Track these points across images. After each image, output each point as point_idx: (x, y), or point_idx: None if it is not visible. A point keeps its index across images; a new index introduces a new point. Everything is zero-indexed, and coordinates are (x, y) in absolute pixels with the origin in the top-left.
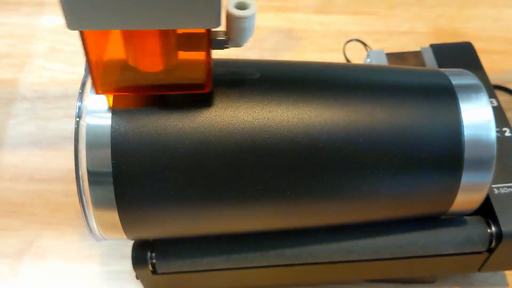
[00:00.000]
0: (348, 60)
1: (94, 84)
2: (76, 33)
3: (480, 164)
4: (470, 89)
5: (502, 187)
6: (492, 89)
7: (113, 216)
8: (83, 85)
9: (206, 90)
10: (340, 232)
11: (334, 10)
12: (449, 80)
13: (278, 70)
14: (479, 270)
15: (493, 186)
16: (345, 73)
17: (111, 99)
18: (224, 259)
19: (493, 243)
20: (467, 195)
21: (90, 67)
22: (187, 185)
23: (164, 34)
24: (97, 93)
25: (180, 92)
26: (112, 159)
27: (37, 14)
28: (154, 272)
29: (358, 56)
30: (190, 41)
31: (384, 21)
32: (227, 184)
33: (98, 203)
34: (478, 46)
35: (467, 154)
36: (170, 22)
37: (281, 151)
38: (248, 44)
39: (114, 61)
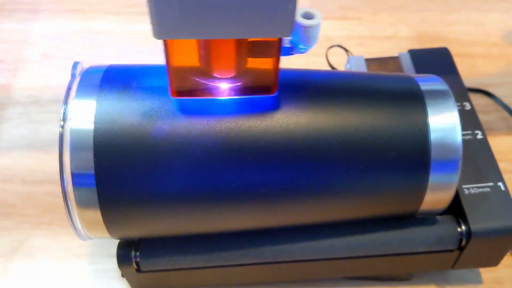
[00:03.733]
0: (330, 65)
1: (170, 88)
2: (68, 39)
3: (447, 165)
4: (437, 94)
5: (472, 187)
6: (467, 93)
7: (97, 216)
8: (69, 89)
9: (273, 93)
10: (317, 231)
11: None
12: (418, 86)
13: None
14: (452, 267)
15: (464, 186)
16: (317, 78)
17: (93, 106)
18: (207, 257)
19: (463, 242)
20: (435, 195)
21: (169, 72)
22: (168, 186)
23: (239, 42)
24: (172, 96)
25: (248, 96)
26: (94, 162)
27: (30, 20)
28: (138, 270)
29: (341, 61)
30: (261, 49)
31: (369, 26)
32: (205, 184)
33: (82, 204)
34: (460, 50)
35: (434, 155)
36: (248, 31)
37: (256, 152)
38: None
39: (189, 67)
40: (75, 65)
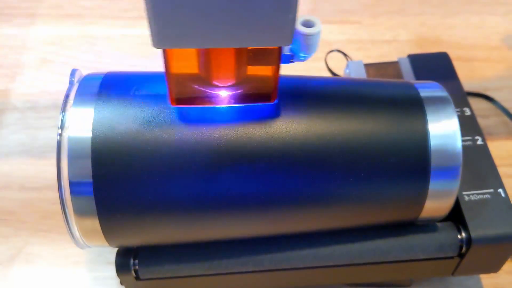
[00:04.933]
0: (330, 69)
1: (169, 96)
2: (66, 44)
3: (447, 172)
4: (437, 101)
5: (472, 194)
6: (466, 98)
7: (95, 224)
8: (67, 97)
9: (272, 101)
10: (317, 238)
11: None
12: (418, 92)
13: None
14: (452, 274)
15: (464, 193)
16: (316, 85)
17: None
18: (206, 265)
19: (464, 249)
20: (436, 202)
21: (168, 81)
22: (166, 194)
23: (238, 50)
24: (172, 104)
25: (248, 104)
26: (92, 170)
27: (28, 25)
28: (137, 278)
29: (340, 65)
30: (261, 57)
31: (368, 30)
32: (204, 192)
33: (80, 212)
34: (459, 54)
35: (434, 163)
36: (248, 40)
37: (255, 160)
38: None
39: (189, 75)
40: (73, 72)
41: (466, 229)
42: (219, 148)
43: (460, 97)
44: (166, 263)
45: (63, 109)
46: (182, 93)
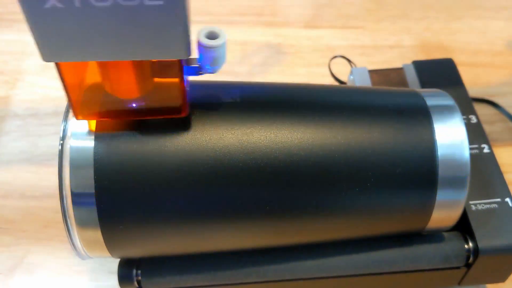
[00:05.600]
0: (333, 75)
1: (73, 111)
2: None
3: (454, 182)
4: (444, 110)
5: (480, 203)
6: (472, 105)
7: (97, 235)
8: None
9: (183, 115)
10: (322, 249)
11: (322, 24)
12: (424, 101)
13: (256, 92)
14: (459, 283)
15: (471, 202)
16: (322, 94)
17: (93, 123)
18: (209, 276)
19: (471, 259)
20: (443, 212)
21: (67, 95)
22: (169, 206)
23: (138, 63)
24: (77, 118)
25: (158, 117)
26: (94, 181)
27: (29, 31)
28: None
29: (343, 71)
30: (163, 69)
31: (371, 35)
32: (208, 204)
33: (82, 223)
34: (463, 59)
35: (441, 172)
36: (142, 53)
37: (260, 170)
38: (236, 59)
39: (92, 88)
40: None
41: (473, 239)
42: (224, 158)
43: (466, 105)
44: (168, 274)
45: (65, 118)
46: (86, 107)
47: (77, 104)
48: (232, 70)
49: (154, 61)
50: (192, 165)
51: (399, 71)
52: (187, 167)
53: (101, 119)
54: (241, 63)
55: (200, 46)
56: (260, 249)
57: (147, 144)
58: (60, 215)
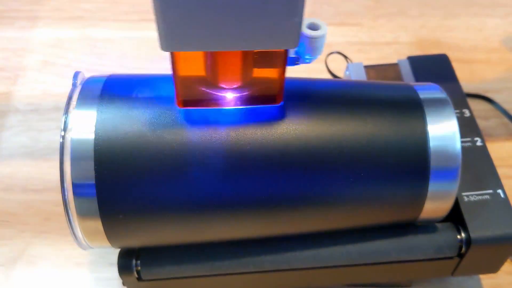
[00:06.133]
0: (330, 71)
1: (176, 98)
2: (68, 47)
3: (446, 173)
4: (436, 103)
5: (472, 195)
6: (466, 100)
7: (97, 225)
8: (69, 99)
9: (278, 103)
10: (318, 239)
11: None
12: (417, 94)
13: None
14: (452, 274)
15: (463, 193)
16: (317, 87)
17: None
18: (207, 266)
19: (463, 249)
20: (435, 203)
21: (176, 83)
22: (169, 195)
23: (245, 53)
24: (178, 106)
25: (254, 106)
26: (95, 172)
27: (30, 28)
28: (139, 279)
29: (340, 67)
30: (267, 59)
31: (368, 32)
32: (205, 193)
33: (83, 213)
34: (459, 55)
35: (433, 164)
36: (255, 43)
37: (255, 160)
38: None
39: (196, 77)
40: (76, 74)
41: (465, 229)
42: (221, 150)
43: (459, 99)
44: (168, 264)
45: (66, 111)
46: (188, 95)
47: (182, 93)
48: None
49: (260, 51)
50: (189, 155)
51: (394, 66)
52: (185, 157)
53: (200, 107)
54: None
55: (303, 36)
56: (257, 240)
57: (146, 136)
58: (60, 208)
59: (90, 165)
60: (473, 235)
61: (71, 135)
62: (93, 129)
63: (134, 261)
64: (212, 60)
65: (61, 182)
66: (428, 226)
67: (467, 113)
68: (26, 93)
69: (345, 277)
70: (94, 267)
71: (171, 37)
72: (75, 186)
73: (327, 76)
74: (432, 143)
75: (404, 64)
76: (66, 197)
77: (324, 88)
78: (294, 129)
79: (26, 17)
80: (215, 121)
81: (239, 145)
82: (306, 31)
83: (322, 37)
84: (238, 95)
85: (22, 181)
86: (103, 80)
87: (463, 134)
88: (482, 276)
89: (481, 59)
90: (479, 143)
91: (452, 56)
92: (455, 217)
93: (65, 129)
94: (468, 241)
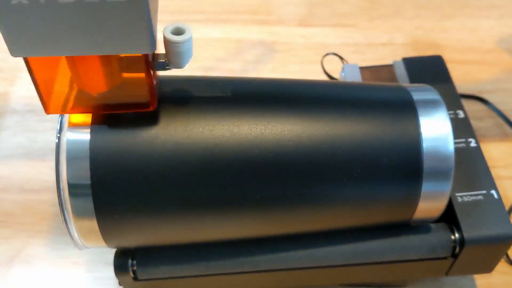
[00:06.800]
0: (326, 72)
1: (43, 105)
2: None
3: (439, 174)
4: (430, 104)
5: (466, 195)
6: (460, 101)
7: (93, 225)
8: None
9: (151, 109)
10: (312, 239)
11: (316, 23)
12: (410, 95)
13: (246, 86)
14: (446, 274)
15: (457, 194)
16: (311, 88)
17: (88, 117)
18: (203, 266)
19: (457, 249)
20: (428, 204)
21: (37, 89)
22: (162, 196)
23: (105, 58)
24: (47, 113)
25: (127, 111)
26: (90, 172)
27: None
28: (135, 278)
29: (336, 68)
30: (130, 64)
31: (364, 33)
32: (200, 194)
33: (78, 213)
34: (454, 56)
35: (426, 165)
36: (107, 48)
37: (249, 160)
38: (230, 56)
39: (61, 83)
40: None
41: (459, 230)
42: (216, 149)
43: (453, 100)
44: (163, 264)
45: None
46: (57, 102)
47: (47, 99)
48: (226, 67)
49: (122, 56)
50: (184, 156)
51: (389, 68)
52: (180, 158)
53: (71, 112)
54: (235, 60)
55: (166, 41)
56: (252, 240)
57: (141, 136)
58: (58, 208)
59: (86, 165)
60: (466, 235)
61: (67, 135)
62: (89, 129)
63: (130, 261)
64: (72, 64)
65: (57, 182)
66: (422, 227)
67: (461, 114)
68: (24, 94)
69: (339, 277)
70: (91, 266)
71: (17, 43)
72: (70, 186)
73: (323, 77)
74: (425, 144)
75: (399, 65)
76: (62, 197)
77: (317, 89)
78: (287, 130)
79: None
80: (214, 121)
81: (229, 143)
82: (168, 35)
83: (186, 42)
84: (109, 100)
85: (19, 181)
86: None
87: (457, 135)
88: (476, 276)
89: (476, 60)
90: (473, 144)
91: (447, 57)
92: (449, 217)
93: (61, 130)
94: (462, 241)
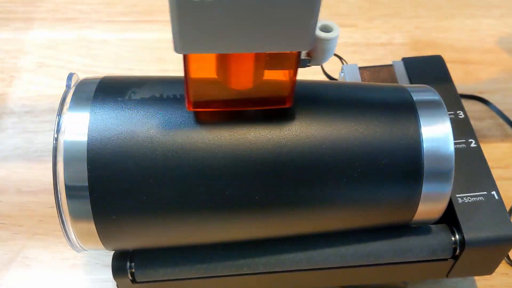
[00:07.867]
0: (325, 72)
1: (187, 100)
2: (63, 48)
3: (440, 175)
4: (430, 105)
5: (466, 196)
6: (460, 101)
7: (91, 228)
8: (63, 101)
9: (288, 105)
10: (312, 241)
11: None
12: (410, 96)
13: None
14: (447, 276)
15: (457, 195)
16: (310, 89)
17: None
18: (201, 268)
19: (457, 251)
20: (429, 205)
21: (186, 86)
22: (161, 198)
23: (257, 55)
24: (188, 109)
25: (264, 108)
26: (88, 174)
27: (25, 29)
28: (133, 281)
29: (335, 68)
30: (279, 61)
31: (363, 33)
32: (198, 195)
33: (76, 216)
34: (454, 56)
35: (427, 166)
36: (269, 45)
37: (249, 161)
38: None
39: (207, 80)
40: (70, 76)
41: (459, 231)
42: (214, 151)
43: (453, 100)
44: (161, 266)
45: (59, 112)
46: (199, 97)
47: (195, 96)
48: None
49: (272, 53)
50: (182, 157)
51: (388, 68)
52: (177, 159)
53: (211, 110)
54: None
55: (316, 38)
56: (251, 242)
57: (138, 138)
58: (55, 210)
59: (83, 167)
60: (467, 236)
61: (64, 137)
62: (86, 131)
63: (128, 263)
64: (225, 62)
65: (54, 184)
66: (422, 228)
67: (461, 114)
68: (21, 95)
69: (339, 278)
70: (89, 269)
71: (186, 40)
72: (68, 188)
73: (322, 77)
74: (426, 145)
75: (399, 65)
76: (59, 199)
77: (317, 90)
78: (286, 130)
79: (21, 18)
80: (212, 123)
81: (231, 146)
82: (319, 33)
83: (335, 39)
84: (248, 97)
85: (16, 183)
86: (96, 82)
87: (457, 135)
88: (477, 278)
89: (476, 60)
90: (473, 145)
91: (447, 57)
92: (449, 218)
93: (58, 131)
94: (463, 243)
